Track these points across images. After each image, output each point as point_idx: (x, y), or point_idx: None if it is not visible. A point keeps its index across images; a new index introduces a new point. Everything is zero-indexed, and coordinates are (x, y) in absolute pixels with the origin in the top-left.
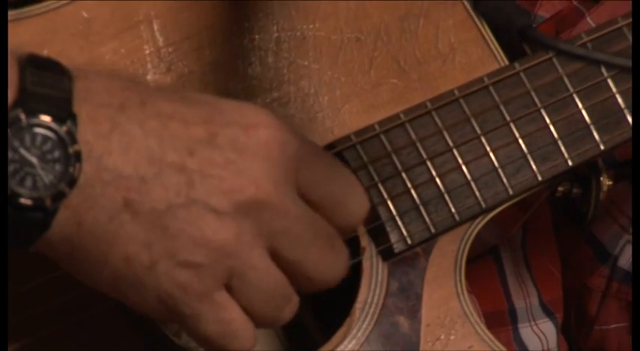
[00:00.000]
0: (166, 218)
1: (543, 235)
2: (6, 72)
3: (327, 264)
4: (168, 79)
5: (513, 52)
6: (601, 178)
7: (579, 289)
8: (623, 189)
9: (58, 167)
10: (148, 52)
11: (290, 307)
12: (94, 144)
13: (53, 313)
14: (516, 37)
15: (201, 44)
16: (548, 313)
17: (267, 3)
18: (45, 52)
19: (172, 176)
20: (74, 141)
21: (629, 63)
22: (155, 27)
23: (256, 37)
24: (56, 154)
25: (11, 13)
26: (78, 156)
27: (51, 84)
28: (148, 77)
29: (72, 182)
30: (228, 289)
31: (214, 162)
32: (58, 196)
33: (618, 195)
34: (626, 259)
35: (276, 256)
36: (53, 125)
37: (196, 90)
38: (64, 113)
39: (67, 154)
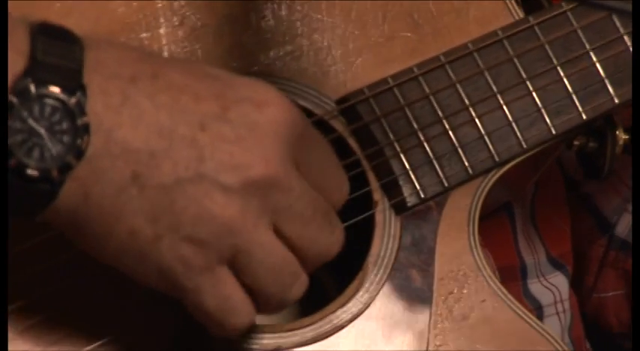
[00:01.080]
0: (173, 193)
1: (553, 192)
2: (6, 68)
3: (324, 239)
4: (181, 33)
5: (533, 4)
6: (617, 132)
7: (578, 258)
8: (624, 159)
9: (66, 139)
10: (160, 5)
11: (298, 285)
12: (103, 116)
13: (68, 291)
14: None
15: None
16: (559, 266)
17: None
18: (57, 5)
19: (183, 150)
20: (83, 113)
21: None
22: None
23: None
24: (64, 125)
25: None
26: (86, 128)
27: (62, 53)
28: (161, 31)
29: (79, 154)
30: (233, 266)
31: (225, 137)
32: (65, 168)
33: (619, 165)
34: (622, 228)
35: (277, 233)
36: (62, 96)
37: (209, 44)
38: (74, 84)
39: (76, 125)
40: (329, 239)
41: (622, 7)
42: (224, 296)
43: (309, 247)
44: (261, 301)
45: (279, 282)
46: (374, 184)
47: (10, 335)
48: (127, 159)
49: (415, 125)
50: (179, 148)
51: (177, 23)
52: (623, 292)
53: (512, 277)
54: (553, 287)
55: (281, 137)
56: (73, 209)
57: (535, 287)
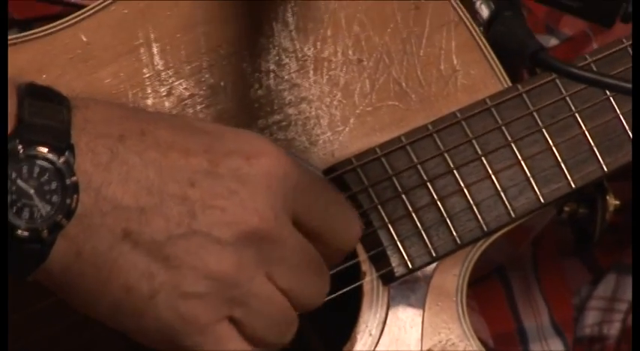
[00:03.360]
0: (167, 249)
1: (554, 254)
2: (6, 72)
3: (315, 287)
4: (169, 103)
5: (526, 71)
6: (607, 198)
7: None
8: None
9: (55, 198)
10: (147, 75)
11: (292, 331)
12: (92, 174)
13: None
14: (528, 61)
15: (201, 68)
16: (559, 333)
17: (268, 26)
18: (43, 77)
19: (174, 207)
20: (72, 172)
21: None
22: (155, 50)
23: (257, 60)
24: (54, 185)
25: (10, 37)
26: (75, 187)
27: (49, 114)
28: (148, 101)
29: (69, 213)
30: (231, 319)
31: (216, 192)
32: (55, 228)
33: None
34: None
35: (272, 282)
36: (51, 156)
37: (197, 114)
38: (62, 144)
39: (65, 185)
40: (319, 287)
41: (621, 85)
42: None
43: (302, 295)
44: (260, 349)
45: (277, 330)
46: (362, 254)
47: None
48: (118, 216)
49: (403, 195)
50: (170, 205)
51: (164, 94)
52: None
53: (510, 342)
54: None
55: (273, 189)
56: (65, 267)
57: None
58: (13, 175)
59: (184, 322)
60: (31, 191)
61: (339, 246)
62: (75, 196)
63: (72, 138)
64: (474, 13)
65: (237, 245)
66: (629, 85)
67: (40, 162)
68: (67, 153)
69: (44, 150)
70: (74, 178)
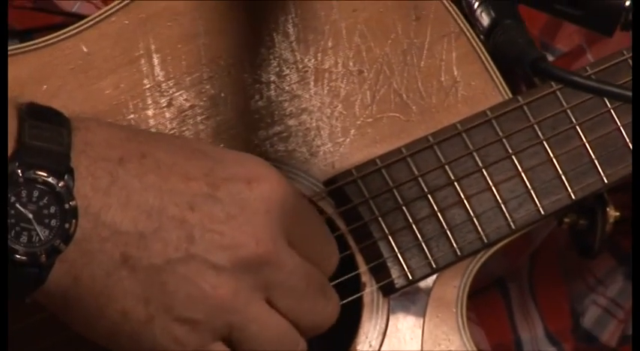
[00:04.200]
0: (164, 274)
1: (551, 266)
2: (6, 70)
3: (318, 310)
4: (169, 114)
5: (524, 84)
6: (607, 209)
7: None
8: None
9: (54, 223)
10: (148, 86)
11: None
12: (92, 199)
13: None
14: (528, 68)
15: (201, 79)
16: (554, 343)
17: (268, 37)
18: (44, 88)
19: (172, 231)
20: (71, 196)
21: None
22: (155, 61)
23: (257, 71)
24: (52, 209)
25: (11, 48)
26: (75, 212)
27: (49, 137)
28: (149, 112)
29: (67, 238)
30: (230, 342)
31: (215, 217)
32: (53, 252)
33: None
34: (588, 319)
35: (272, 306)
36: (50, 180)
37: (197, 125)
38: (62, 168)
39: (64, 209)
40: (324, 311)
41: (621, 93)
42: None
43: (304, 319)
44: None
45: None
46: (362, 266)
47: None
48: (116, 241)
49: (403, 207)
50: (168, 229)
51: (164, 104)
52: None
53: None
54: None
55: (272, 214)
56: (63, 291)
57: None
58: (12, 199)
59: (179, 346)
60: (30, 215)
61: (323, 270)
62: (74, 220)
63: (72, 161)
64: (474, 21)
65: (234, 270)
66: (630, 93)
67: (39, 185)
68: (66, 177)
69: (43, 174)
70: (73, 203)
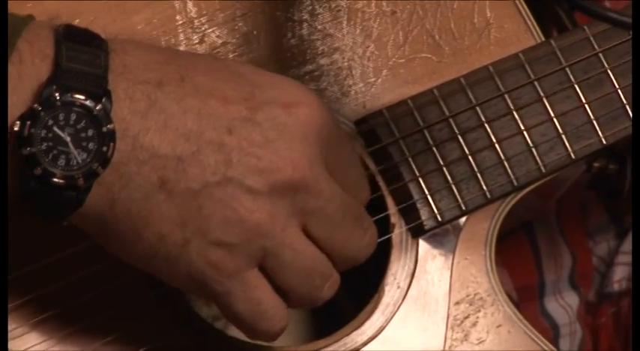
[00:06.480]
0: (201, 198)
1: (577, 211)
2: (6, 70)
3: (355, 241)
4: (201, 51)
5: (555, 29)
6: None
7: None
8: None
9: (91, 146)
10: (180, 22)
11: (329, 285)
12: (130, 122)
13: (80, 285)
14: (565, 6)
15: (234, 16)
16: (574, 287)
17: None
18: (77, 21)
19: (210, 155)
20: (109, 120)
21: None
22: None
23: (290, 9)
24: (90, 132)
25: None
26: (112, 135)
27: (87, 60)
28: (181, 48)
29: (105, 161)
30: (263, 268)
31: (253, 140)
32: (91, 175)
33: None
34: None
35: (307, 234)
36: (87, 103)
37: None
38: (99, 91)
39: (102, 132)
40: (360, 242)
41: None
42: (255, 301)
43: (339, 249)
44: (292, 301)
45: (309, 283)
46: (392, 207)
47: (23, 329)
48: (154, 164)
49: (434, 148)
50: (206, 153)
51: (197, 41)
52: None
53: (530, 296)
54: (568, 307)
55: (310, 139)
56: (100, 214)
57: (552, 306)
58: (50, 122)
59: (214, 269)
60: (68, 139)
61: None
62: (111, 144)
63: (109, 84)
64: None
65: (271, 195)
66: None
67: (76, 109)
68: (104, 100)
69: (81, 97)
70: (111, 126)
